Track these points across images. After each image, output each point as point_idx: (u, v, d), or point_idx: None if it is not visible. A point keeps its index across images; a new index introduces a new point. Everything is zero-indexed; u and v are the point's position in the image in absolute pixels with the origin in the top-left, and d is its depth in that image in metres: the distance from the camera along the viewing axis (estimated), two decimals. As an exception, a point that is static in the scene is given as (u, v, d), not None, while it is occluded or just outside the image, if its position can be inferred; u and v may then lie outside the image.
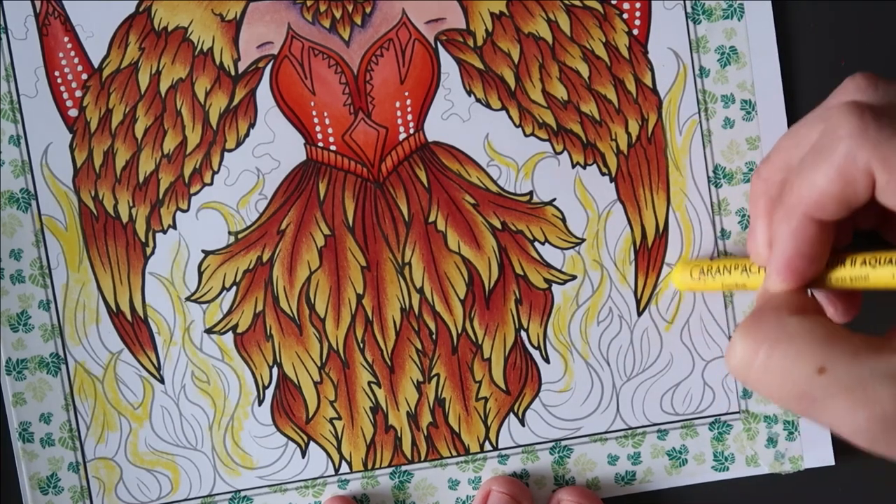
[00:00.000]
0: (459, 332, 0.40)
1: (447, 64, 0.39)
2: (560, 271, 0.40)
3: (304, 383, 0.40)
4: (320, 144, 0.39)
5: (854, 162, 0.28)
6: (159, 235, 0.39)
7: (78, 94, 0.39)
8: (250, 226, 0.39)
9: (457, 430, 0.40)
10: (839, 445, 0.40)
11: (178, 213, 0.39)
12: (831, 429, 0.28)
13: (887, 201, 0.28)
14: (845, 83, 0.32)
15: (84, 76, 0.39)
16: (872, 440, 0.27)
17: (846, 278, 0.31)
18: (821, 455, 0.40)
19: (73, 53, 0.39)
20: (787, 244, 0.31)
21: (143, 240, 0.39)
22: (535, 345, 0.40)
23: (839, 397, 0.27)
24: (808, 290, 0.32)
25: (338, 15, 0.39)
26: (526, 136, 0.39)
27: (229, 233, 0.39)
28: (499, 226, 0.40)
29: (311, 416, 0.40)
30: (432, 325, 0.40)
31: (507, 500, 0.39)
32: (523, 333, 0.40)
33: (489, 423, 0.40)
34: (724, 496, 0.40)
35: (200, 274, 0.40)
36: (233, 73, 0.39)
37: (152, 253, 0.39)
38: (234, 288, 0.40)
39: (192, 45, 0.39)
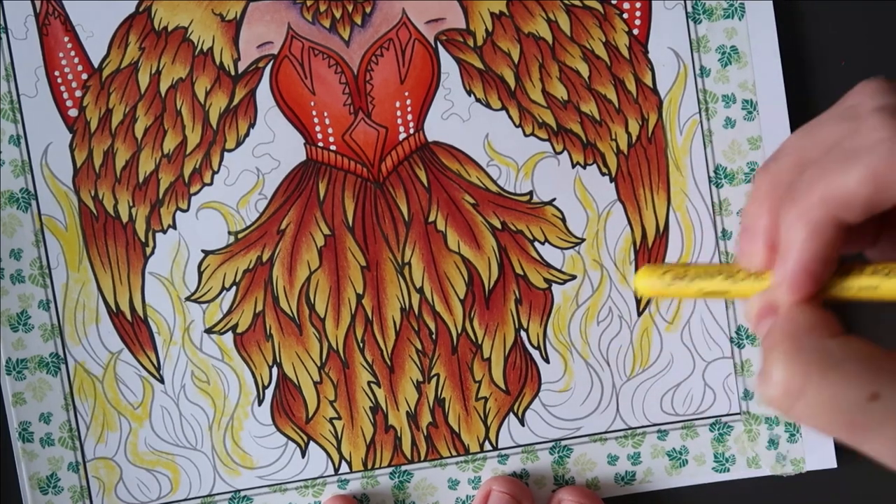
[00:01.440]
0: (459, 332, 0.40)
1: (447, 64, 0.39)
2: (560, 271, 0.40)
3: (304, 383, 0.40)
4: (320, 144, 0.39)
5: (892, 166, 0.26)
6: (159, 235, 0.39)
7: (78, 93, 0.39)
8: (250, 226, 0.39)
9: (457, 430, 0.40)
10: (841, 448, 0.39)
11: (178, 212, 0.39)
12: (877, 457, 0.26)
13: None
14: (862, 86, 0.30)
15: (84, 76, 0.39)
16: None
17: (853, 287, 0.29)
18: (822, 457, 0.40)
19: (73, 53, 0.39)
20: (805, 247, 0.28)
21: (143, 240, 0.39)
22: (535, 345, 0.40)
23: (890, 425, 0.25)
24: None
25: (338, 15, 0.39)
26: (526, 135, 0.39)
27: (229, 233, 0.39)
28: (499, 226, 0.39)
29: (310, 415, 0.40)
30: (432, 325, 0.40)
31: (507, 500, 0.38)
32: (523, 333, 0.40)
33: (489, 423, 0.40)
34: (724, 497, 0.40)
35: (200, 274, 0.40)
36: (233, 72, 0.39)
37: (152, 253, 0.39)
38: (234, 288, 0.39)
39: (192, 45, 0.39)
